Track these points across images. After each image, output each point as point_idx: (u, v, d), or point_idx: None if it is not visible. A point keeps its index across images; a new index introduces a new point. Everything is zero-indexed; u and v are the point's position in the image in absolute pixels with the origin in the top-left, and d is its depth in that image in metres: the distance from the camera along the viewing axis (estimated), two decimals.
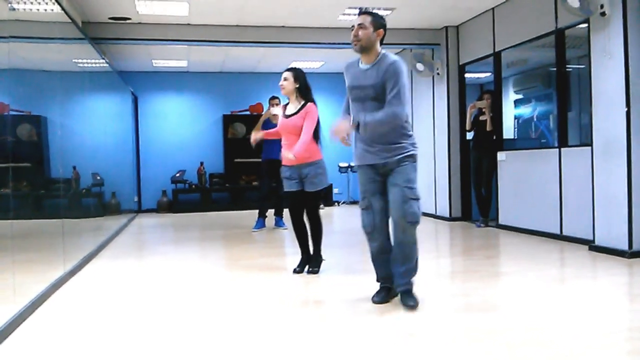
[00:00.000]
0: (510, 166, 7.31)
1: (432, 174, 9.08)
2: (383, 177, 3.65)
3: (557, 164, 6.36)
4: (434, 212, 9.05)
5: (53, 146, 5.45)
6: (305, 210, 4.82)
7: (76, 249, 5.43)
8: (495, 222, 7.58)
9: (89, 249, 5.89)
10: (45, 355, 2.96)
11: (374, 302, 3.71)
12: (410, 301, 3.61)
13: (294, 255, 5.69)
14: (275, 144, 7.70)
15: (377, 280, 3.84)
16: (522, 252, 5.80)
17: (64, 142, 5.53)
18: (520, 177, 7.09)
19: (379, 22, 3.58)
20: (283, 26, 8.20)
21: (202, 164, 11.71)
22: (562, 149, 6.33)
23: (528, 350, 2.80)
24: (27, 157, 5.14)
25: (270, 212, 8.06)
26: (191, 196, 11.69)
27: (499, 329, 3.20)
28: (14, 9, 4.11)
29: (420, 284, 4.36)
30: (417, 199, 3.59)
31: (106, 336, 3.22)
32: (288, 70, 4.84)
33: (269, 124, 7.52)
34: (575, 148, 6.21)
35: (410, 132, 3.68)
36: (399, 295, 3.71)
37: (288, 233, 7.70)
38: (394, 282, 3.74)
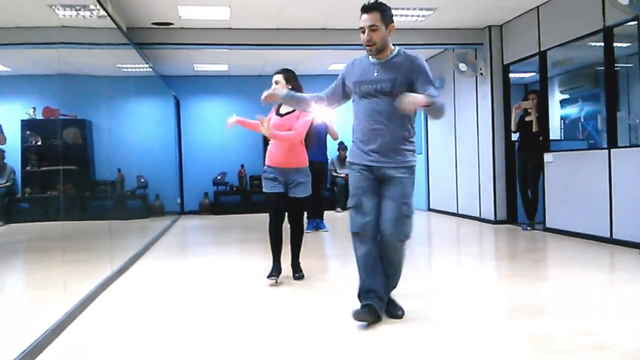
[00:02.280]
0: (557, 168, 7.12)
1: (476, 176, 8.92)
2: (377, 179, 3.38)
3: (606, 166, 6.15)
4: (478, 215, 8.89)
5: (98, 149, 5.56)
6: (288, 216, 4.68)
7: (123, 250, 5.52)
8: (542, 225, 7.39)
9: (134, 250, 6.00)
10: (94, 353, 3.00)
11: (356, 319, 3.28)
12: (398, 310, 3.45)
13: (332, 258, 5.68)
14: (315, 145, 7.75)
15: (359, 295, 3.40)
16: (570, 256, 5.63)
17: (109, 145, 5.64)
18: (568, 179, 6.90)
19: (388, 15, 3.34)
20: (323, 28, 8.20)
21: (242, 166, 11.81)
22: (612, 150, 6.13)
23: (577, 357, 2.71)
24: (73, 160, 5.25)
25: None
26: (232, 198, 11.79)
27: (546, 334, 3.11)
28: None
29: (464, 289, 4.29)
30: (411, 216, 3.36)
31: (151, 335, 3.25)
32: (278, 72, 4.71)
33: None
34: (626, 149, 6.01)
35: (413, 139, 3.43)
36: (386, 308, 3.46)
37: (328, 235, 7.69)
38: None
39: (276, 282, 4.56)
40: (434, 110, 3.26)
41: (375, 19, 3.28)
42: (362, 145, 3.41)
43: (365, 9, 3.31)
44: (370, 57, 3.43)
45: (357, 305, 3.35)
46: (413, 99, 3.15)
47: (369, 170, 3.38)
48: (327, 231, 7.90)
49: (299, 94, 3.91)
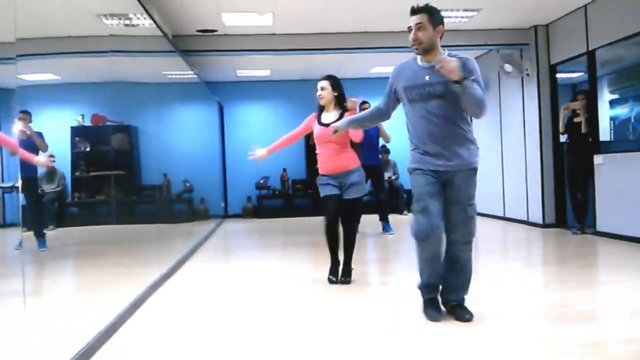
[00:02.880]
0: (608, 170, 6.91)
1: (523, 178, 8.73)
2: (442, 183, 3.39)
3: None
4: (525, 219, 8.69)
5: (145, 154, 5.67)
6: (341, 219, 4.64)
7: (170, 253, 5.61)
8: (592, 229, 7.17)
9: (181, 253, 6.09)
10: (145, 355, 3.05)
11: (431, 319, 3.43)
12: (466, 314, 3.41)
13: (376, 263, 5.64)
14: (369, 150, 7.75)
15: (421, 288, 3.52)
16: (623, 261, 5.44)
17: (156, 150, 5.74)
18: (619, 181, 6.68)
19: (437, 17, 3.33)
20: (364, 32, 8.17)
21: (284, 170, 11.87)
22: None
23: None
24: (121, 165, 5.37)
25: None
26: (275, 202, 11.86)
27: (599, 341, 3.01)
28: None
29: (512, 294, 4.19)
30: (475, 216, 3.45)
31: (199, 337, 3.29)
32: (324, 79, 4.67)
33: None
34: None
35: (473, 138, 3.45)
36: (453, 310, 3.48)
37: (392, 238, 7.63)
38: (444, 296, 3.53)
39: (336, 281, 4.64)
40: (466, 93, 3.17)
41: (423, 19, 3.29)
42: (423, 150, 3.40)
43: (413, 11, 3.33)
44: (419, 60, 3.41)
45: (403, 314, 3.34)
46: (453, 65, 3.10)
47: (434, 173, 3.38)
48: (392, 234, 7.85)
49: (357, 116, 3.95)
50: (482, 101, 3.23)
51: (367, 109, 7.50)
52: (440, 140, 3.34)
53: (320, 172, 4.68)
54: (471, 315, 3.41)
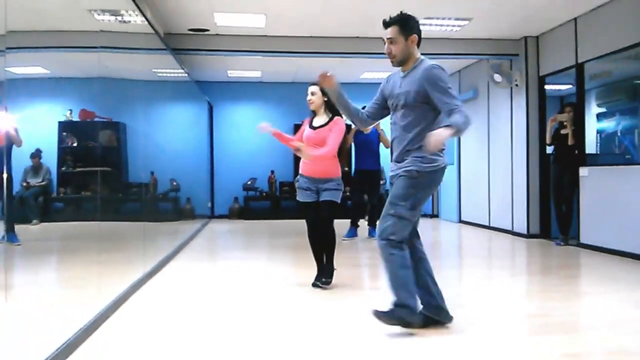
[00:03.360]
0: (593, 182, 6.97)
1: (509, 188, 8.79)
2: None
3: None
4: (510, 228, 8.75)
5: (132, 152, 5.63)
6: (316, 220, 4.65)
7: (155, 251, 5.58)
8: (576, 240, 7.23)
9: (166, 252, 6.06)
10: (126, 352, 3.03)
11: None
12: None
13: (365, 268, 5.65)
14: (368, 154, 7.79)
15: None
16: (605, 273, 5.50)
17: (143, 148, 5.71)
18: (604, 194, 6.74)
19: (408, 27, 3.34)
20: (357, 37, 8.19)
21: (272, 172, 11.87)
22: None
23: None
24: (108, 162, 5.33)
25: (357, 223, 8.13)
26: (262, 204, 11.85)
27: (580, 352, 3.04)
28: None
29: (495, 303, 4.21)
30: (397, 216, 3.31)
31: (180, 336, 3.27)
32: (314, 84, 4.66)
33: (360, 134, 7.61)
34: None
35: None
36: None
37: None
38: None
39: (319, 285, 4.63)
40: (459, 133, 3.18)
41: (394, 32, 3.34)
42: (392, 157, 3.51)
43: (385, 24, 3.38)
44: (400, 71, 3.47)
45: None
46: (436, 140, 3.06)
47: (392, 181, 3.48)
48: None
49: (348, 103, 3.72)
50: (468, 123, 3.18)
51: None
52: (397, 148, 3.40)
53: (300, 171, 4.71)
54: (377, 312, 3.29)
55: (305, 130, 4.72)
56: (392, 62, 3.41)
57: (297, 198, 4.72)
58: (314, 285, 4.61)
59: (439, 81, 3.23)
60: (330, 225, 4.67)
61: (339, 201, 4.63)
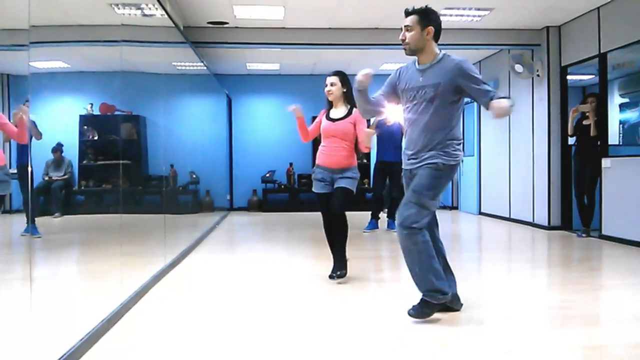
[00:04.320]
0: (615, 173, 6.88)
1: (530, 179, 8.71)
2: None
3: None
4: (531, 220, 8.67)
5: (152, 145, 5.68)
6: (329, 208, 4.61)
7: (175, 243, 5.63)
8: (598, 232, 7.15)
9: (186, 244, 6.11)
10: (147, 343, 3.08)
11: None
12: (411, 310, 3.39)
13: (384, 259, 5.64)
14: (389, 146, 7.77)
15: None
16: (628, 265, 5.43)
17: (163, 141, 5.76)
18: (627, 185, 6.65)
19: (426, 19, 3.37)
20: (376, 28, 8.16)
21: (291, 164, 11.89)
22: None
23: None
24: (128, 155, 5.38)
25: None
26: (280, 196, 11.89)
27: (602, 345, 3.01)
28: None
29: (515, 295, 4.18)
30: (420, 205, 3.40)
31: (200, 327, 3.30)
32: (334, 74, 4.65)
33: (383, 126, 7.59)
34: None
35: (453, 142, 3.47)
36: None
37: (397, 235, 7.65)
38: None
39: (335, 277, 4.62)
40: (513, 107, 3.23)
41: (412, 21, 3.37)
42: (406, 150, 3.56)
43: (406, 13, 3.42)
44: (416, 63, 3.48)
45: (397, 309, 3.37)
46: (502, 108, 3.15)
47: (409, 174, 3.54)
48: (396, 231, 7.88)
49: (368, 97, 3.73)
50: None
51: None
52: (420, 140, 3.42)
53: (317, 162, 4.70)
54: (414, 311, 3.34)
55: (323, 122, 4.70)
56: (405, 49, 3.43)
57: (313, 189, 4.72)
58: (330, 277, 4.62)
59: (473, 73, 3.31)
60: (343, 214, 4.59)
61: (354, 190, 4.60)
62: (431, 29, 3.36)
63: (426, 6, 3.42)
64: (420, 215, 3.34)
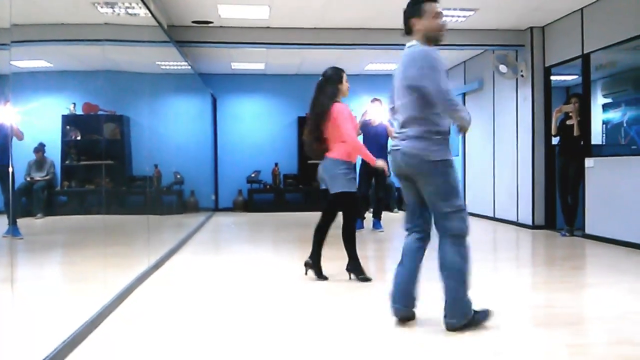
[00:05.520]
0: (598, 173, 6.94)
1: (514, 179, 8.77)
2: None
3: None
4: (515, 219, 8.73)
5: (136, 145, 5.63)
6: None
7: (159, 244, 5.59)
8: (582, 231, 7.21)
9: (170, 245, 6.07)
10: (130, 344, 3.04)
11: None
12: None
13: (370, 259, 5.65)
14: (373, 146, 7.74)
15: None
16: (611, 264, 5.48)
17: (147, 141, 5.71)
18: (610, 185, 6.71)
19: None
20: (362, 28, 8.15)
21: (276, 164, 11.86)
22: None
23: None
24: (111, 155, 5.32)
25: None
26: (266, 196, 11.86)
27: (586, 342, 3.04)
28: None
29: (499, 295, 4.20)
30: None
31: (184, 329, 3.28)
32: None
33: (367, 126, 7.56)
34: None
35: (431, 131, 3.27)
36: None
37: (384, 235, 7.66)
38: None
39: (306, 273, 4.68)
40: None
41: None
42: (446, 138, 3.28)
43: None
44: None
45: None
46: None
47: None
48: (382, 231, 7.89)
49: None
50: (449, 104, 3.11)
51: (377, 104, 7.57)
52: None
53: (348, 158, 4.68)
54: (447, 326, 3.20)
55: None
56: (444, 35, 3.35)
57: (354, 189, 4.70)
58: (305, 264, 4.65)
59: (426, 63, 3.16)
60: (345, 218, 4.62)
61: (343, 190, 4.55)
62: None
63: None
64: (465, 220, 3.26)
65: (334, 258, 4.92)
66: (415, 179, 3.24)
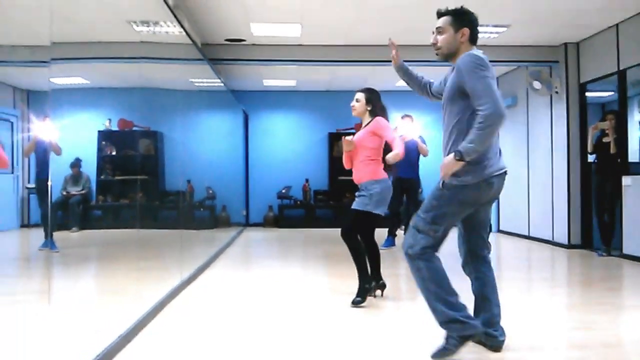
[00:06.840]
0: (636, 191, 6.77)
1: (549, 197, 8.60)
2: None
3: None
4: (550, 238, 8.55)
5: (169, 160, 5.71)
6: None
7: (191, 259, 5.64)
8: (619, 251, 7.02)
9: (202, 259, 6.11)
10: (162, 359, 3.06)
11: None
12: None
13: (401, 278, 5.61)
14: (406, 163, 7.68)
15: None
16: None
17: (180, 156, 5.78)
18: None
19: (460, 20, 2.99)
20: None
21: (307, 180, 11.88)
22: None
23: None
24: (145, 170, 5.41)
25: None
26: (296, 212, 11.86)
27: None
28: None
29: (534, 316, 4.11)
30: (419, 229, 2.99)
31: (217, 344, 3.28)
32: (361, 91, 4.58)
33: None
34: None
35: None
36: None
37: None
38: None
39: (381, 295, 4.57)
40: (472, 155, 2.88)
41: (444, 22, 3.02)
42: None
43: (438, 14, 3.07)
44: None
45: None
46: (445, 168, 2.89)
47: None
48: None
49: (412, 72, 3.75)
50: (487, 132, 2.92)
51: (408, 120, 7.55)
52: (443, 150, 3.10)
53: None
54: (435, 354, 2.96)
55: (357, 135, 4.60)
56: (436, 54, 3.08)
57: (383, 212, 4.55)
58: (353, 303, 4.37)
59: (467, 70, 2.89)
60: (354, 238, 4.42)
61: (373, 211, 4.38)
62: (466, 30, 2.99)
63: (461, 6, 3.05)
64: (415, 239, 2.94)
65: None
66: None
